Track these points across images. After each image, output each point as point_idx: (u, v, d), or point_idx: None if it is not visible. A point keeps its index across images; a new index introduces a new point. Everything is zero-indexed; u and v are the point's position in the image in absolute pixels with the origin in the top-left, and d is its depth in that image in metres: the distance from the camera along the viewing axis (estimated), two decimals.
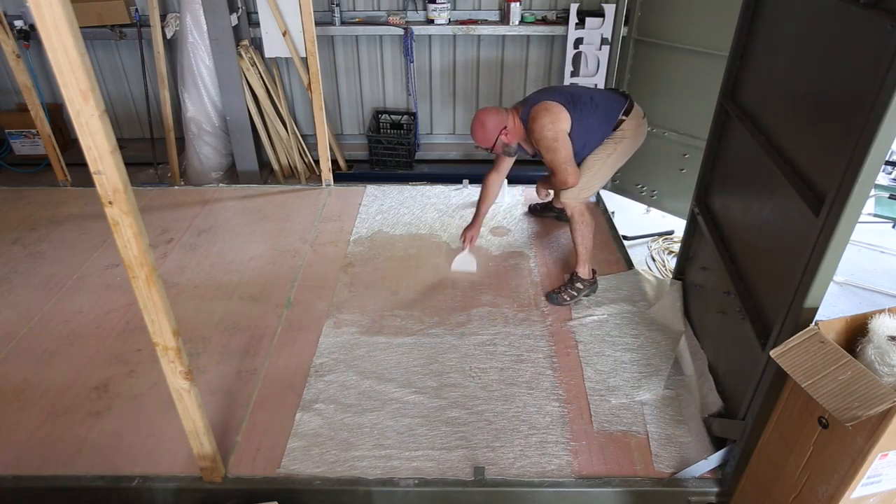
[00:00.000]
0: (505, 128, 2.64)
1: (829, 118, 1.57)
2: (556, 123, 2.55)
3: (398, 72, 4.57)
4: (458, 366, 2.42)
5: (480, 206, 2.98)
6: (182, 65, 4.10)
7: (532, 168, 3.20)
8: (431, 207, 3.59)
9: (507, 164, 2.93)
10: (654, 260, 3.45)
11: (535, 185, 3.68)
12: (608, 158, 2.71)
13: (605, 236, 3.31)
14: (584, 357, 2.47)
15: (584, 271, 2.77)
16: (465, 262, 2.97)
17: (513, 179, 3.60)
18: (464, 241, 3.00)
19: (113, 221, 1.35)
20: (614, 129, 2.69)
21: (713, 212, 2.43)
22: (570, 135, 2.59)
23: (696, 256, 2.63)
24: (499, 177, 2.95)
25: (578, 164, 2.72)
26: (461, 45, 4.47)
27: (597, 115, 2.64)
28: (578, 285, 2.76)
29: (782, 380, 1.64)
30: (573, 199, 2.69)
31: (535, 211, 3.49)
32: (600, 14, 4.08)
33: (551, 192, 3.25)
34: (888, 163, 4.13)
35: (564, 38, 4.24)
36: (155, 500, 1.99)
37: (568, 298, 2.75)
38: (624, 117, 2.68)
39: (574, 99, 2.62)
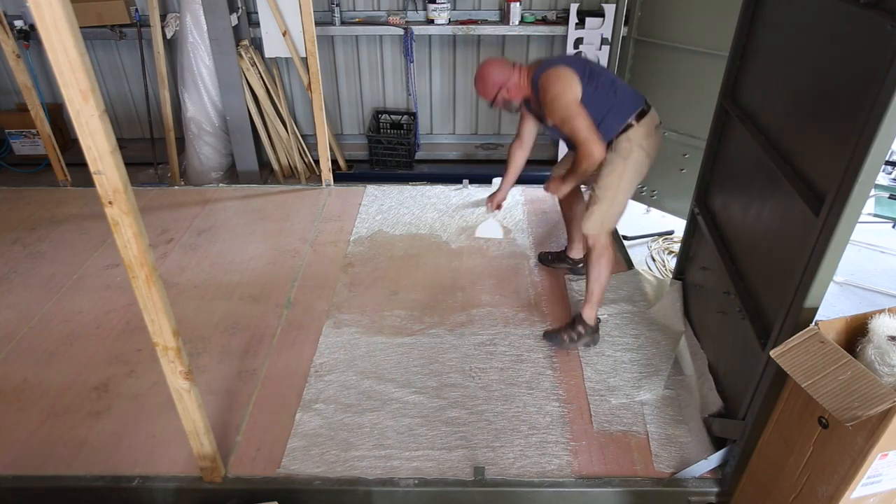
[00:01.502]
0: (506, 84, 2.42)
1: (829, 118, 1.57)
2: (569, 90, 2.27)
3: (398, 72, 4.57)
4: (458, 366, 2.42)
5: (506, 176, 2.85)
6: (182, 65, 4.10)
7: (532, 168, 3.18)
8: (431, 207, 3.59)
9: (530, 132, 2.72)
10: (654, 260, 3.45)
11: (535, 186, 3.68)
12: (620, 181, 2.37)
13: None
14: (584, 357, 2.47)
15: (589, 315, 2.50)
16: (489, 229, 2.87)
17: None
18: (489, 207, 2.89)
19: (113, 221, 1.35)
20: (620, 133, 2.34)
21: (713, 212, 2.43)
22: None
23: (696, 256, 2.63)
24: (521, 148, 2.77)
25: (592, 190, 2.46)
26: (461, 46, 4.47)
27: (611, 99, 2.32)
28: (580, 329, 2.49)
29: (782, 380, 1.64)
30: (596, 230, 2.41)
31: (544, 261, 3.09)
32: (600, 14, 4.08)
33: (567, 238, 3.02)
34: (888, 163, 4.13)
35: (564, 38, 4.24)
36: (155, 500, 1.99)
37: (567, 340, 2.50)
38: (634, 122, 2.33)
39: (593, 75, 2.33)
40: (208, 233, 3.33)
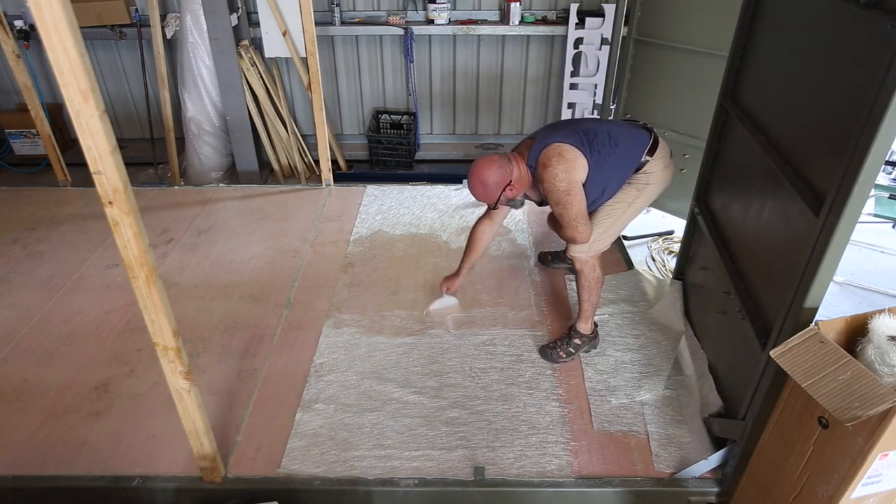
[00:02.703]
0: (510, 184, 2.21)
1: (828, 118, 1.57)
2: (571, 173, 2.15)
3: (398, 72, 4.57)
4: (458, 366, 2.42)
5: (465, 258, 2.63)
6: (182, 65, 4.10)
7: None
8: (431, 207, 3.59)
9: (503, 211, 2.51)
10: (654, 260, 3.45)
11: None
12: (628, 208, 2.33)
13: None
14: (585, 357, 2.47)
15: (585, 327, 2.45)
16: (444, 302, 2.71)
17: None
18: (444, 290, 2.69)
19: (113, 221, 1.35)
20: (636, 171, 2.30)
21: (713, 212, 2.43)
22: (585, 183, 2.21)
23: (696, 256, 2.63)
24: (492, 227, 2.56)
25: (594, 212, 2.35)
26: (461, 46, 4.47)
27: (615, 155, 2.24)
28: (577, 341, 2.45)
29: (782, 380, 1.64)
30: (584, 254, 2.34)
31: (544, 261, 3.06)
32: (600, 14, 4.08)
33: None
34: (888, 163, 4.13)
35: (564, 38, 4.24)
36: (155, 500, 1.99)
37: (564, 356, 2.43)
38: (648, 157, 2.27)
39: (590, 139, 2.20)
40: (208, 233, 3.33)
